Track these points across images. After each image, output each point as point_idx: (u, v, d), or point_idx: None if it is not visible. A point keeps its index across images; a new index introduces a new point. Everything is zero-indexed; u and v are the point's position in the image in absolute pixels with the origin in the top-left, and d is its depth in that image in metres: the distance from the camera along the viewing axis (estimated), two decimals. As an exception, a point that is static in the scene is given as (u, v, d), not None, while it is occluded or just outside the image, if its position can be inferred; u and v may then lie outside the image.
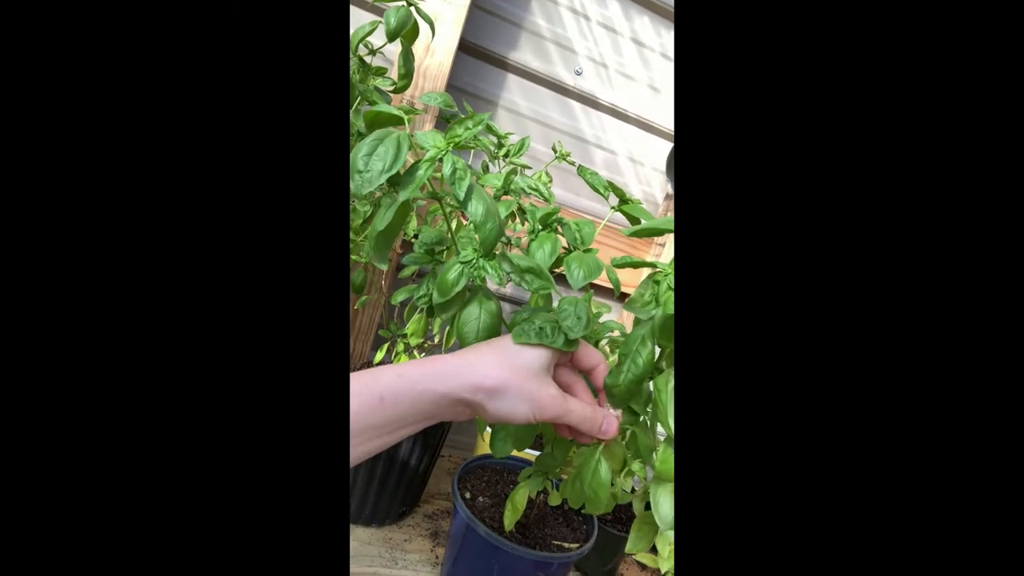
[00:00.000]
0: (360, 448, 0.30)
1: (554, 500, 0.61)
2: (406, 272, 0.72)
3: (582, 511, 0.70)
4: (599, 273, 0.35)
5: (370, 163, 0.30)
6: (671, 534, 0.39)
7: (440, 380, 0.31)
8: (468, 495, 0.68)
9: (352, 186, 0.30)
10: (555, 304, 0.44)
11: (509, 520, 0.59)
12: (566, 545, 0.65)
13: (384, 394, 0.30)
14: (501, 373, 0.32)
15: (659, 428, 0.36)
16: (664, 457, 0.34)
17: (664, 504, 0.34)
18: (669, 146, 1.02)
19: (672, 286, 0.32)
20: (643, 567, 0.84)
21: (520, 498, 0.59)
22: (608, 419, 0.36)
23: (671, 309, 0.32)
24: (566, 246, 0.41)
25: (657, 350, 0.34)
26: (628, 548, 0.42)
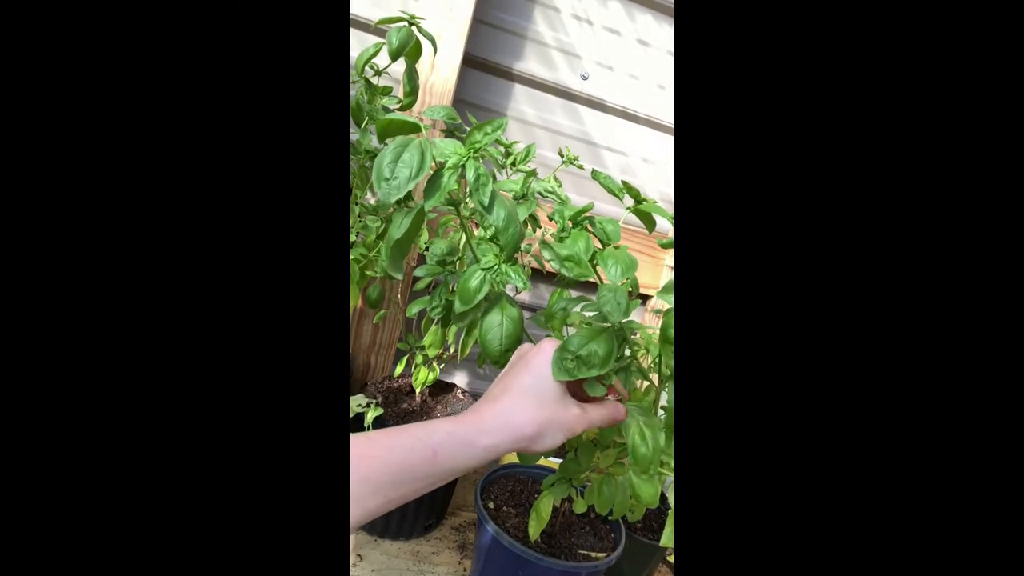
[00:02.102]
0: (410, 488, 0.33)
1: (579, 507, 0.60)
2: (420, 285, 0.72)
3: (609, 517, 0.69)
4: (635, 269, 0.36)
5: (396, 170, 0.31)
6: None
7: (485, 436, 0.34)
8: (492, 505, 0.67)
9: (380, 194, 0.30)
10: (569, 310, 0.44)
11: (534, 529, 0.58)
12: (593, 554, 0.64)
13: (437, 448, 0.33)
14: (536, 418, 0.35)
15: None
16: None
17: None
18: (679, 146, 1.01)
19: None
20: (673, 574, 0.82)
21: (544, 506, 0.58)
22: (618, 408, 0.39)
23: None
24: (598, 245, 0.41)
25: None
26: (663, 542, 0.41)
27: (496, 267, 0.35)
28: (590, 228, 0.37)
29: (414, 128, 0.35)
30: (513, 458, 0.80)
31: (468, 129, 0.38)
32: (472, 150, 0.33)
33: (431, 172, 0.33)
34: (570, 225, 0.37)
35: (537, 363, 0.36)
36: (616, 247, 0.36)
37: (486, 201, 0.32)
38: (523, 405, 0.35)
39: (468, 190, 0.37)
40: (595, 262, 0.37)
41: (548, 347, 0.37)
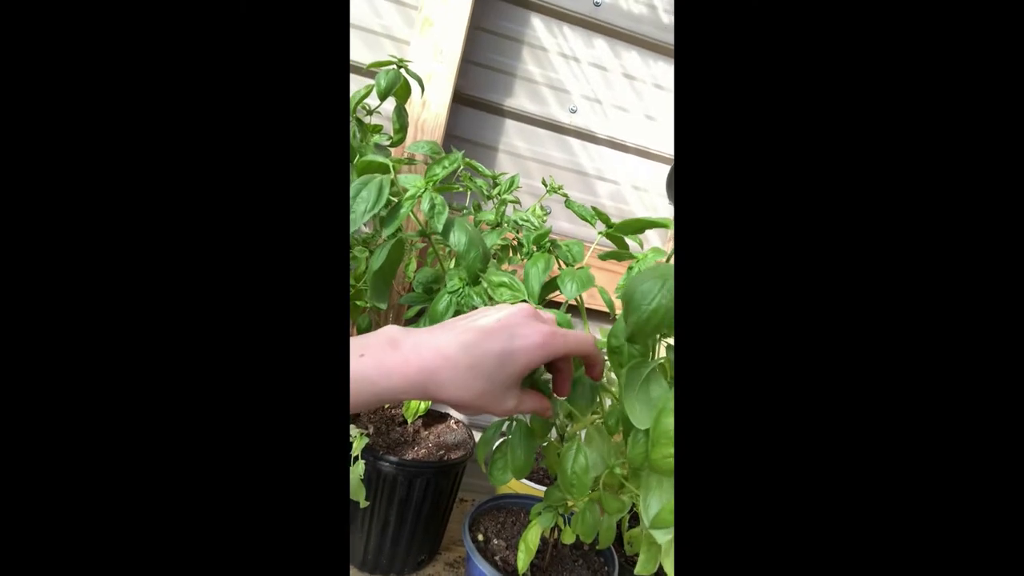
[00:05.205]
0: None
1: (567, 537, 0.59)
2: (409, 313, 0.74)
3: (597, 546, 0.67)
4: (591, 284, 0.36)
5: (354, 205, 0.32)
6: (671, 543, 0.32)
7: (408, 391, 0.30)
8: (481, 537, 0.66)
9: None
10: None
11: (523, 562, 0.57)
12: (586, 587, 0.63)
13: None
14: (469, 400, 0.32)
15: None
16: (634, 442, 0.30)
17: (652, 500, 0.29)
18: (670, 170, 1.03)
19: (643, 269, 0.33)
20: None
21: (532, 537, 0.57)
22: (545, 402, 0.37)
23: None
24: (563, 266, 0.42)
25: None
26: (637, 570, 0.40)
27: (460, 290, 0.37)
28: (552, 251, 0.38)
29: (383, 168, 0.37)
30: (504, 489, 0.79)
31: (439, 157, 0.39)
32: (430, 182, 0.35)
33: (394, 204, 0.35)
34: (534, 248, 0.38)
35: (513, 347, 0.32)
36: (580, 267, 0.37)
37: (440, 228, 0.34)
38: (469, 382, 0.31)
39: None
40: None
41: (536, 336, 0.32)
